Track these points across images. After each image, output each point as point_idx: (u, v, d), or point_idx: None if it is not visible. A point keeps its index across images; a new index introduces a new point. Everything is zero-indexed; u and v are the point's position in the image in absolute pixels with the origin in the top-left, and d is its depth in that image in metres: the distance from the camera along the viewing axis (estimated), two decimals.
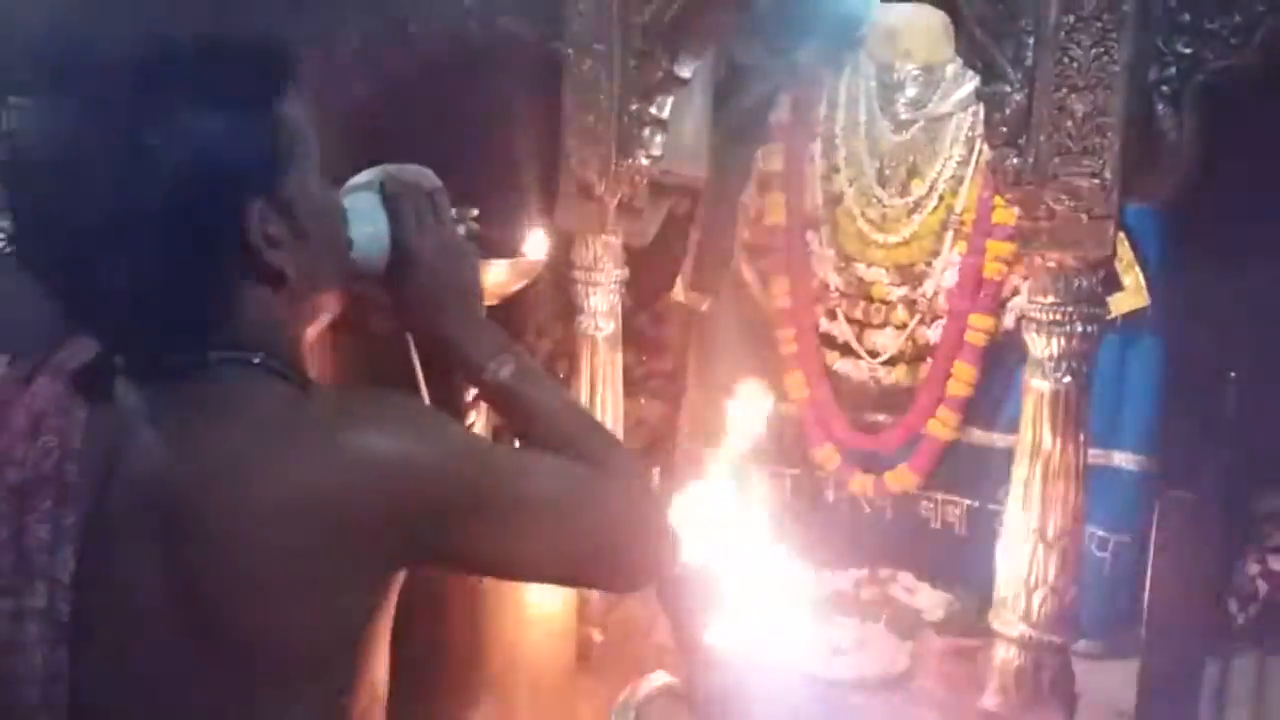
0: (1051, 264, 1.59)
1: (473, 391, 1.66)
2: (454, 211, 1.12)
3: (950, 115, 2.20)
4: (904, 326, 2.23)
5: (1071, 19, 1.55)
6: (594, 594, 1.93)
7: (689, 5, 1.86)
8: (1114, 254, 1.60)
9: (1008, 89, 1.60)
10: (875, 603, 2.19)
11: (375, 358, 1.10)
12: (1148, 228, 1.99)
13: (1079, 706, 1.72)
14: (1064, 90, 1.56)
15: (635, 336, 2.38)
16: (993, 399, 2.16)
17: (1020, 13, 1.58)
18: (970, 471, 2.21)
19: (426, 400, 1.17)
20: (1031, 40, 1.58)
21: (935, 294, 2.20)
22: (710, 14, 1.91)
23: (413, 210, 1.04)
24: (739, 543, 2.07)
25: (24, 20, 2.05)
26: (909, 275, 2.23)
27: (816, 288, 2.34)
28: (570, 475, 0.99)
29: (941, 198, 2.19)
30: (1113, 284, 1.72)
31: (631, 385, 2.18)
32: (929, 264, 2.21)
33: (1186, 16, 1.55)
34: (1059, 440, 1.61)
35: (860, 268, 2.27)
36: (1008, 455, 1.80)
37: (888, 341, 2.25)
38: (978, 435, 2.20)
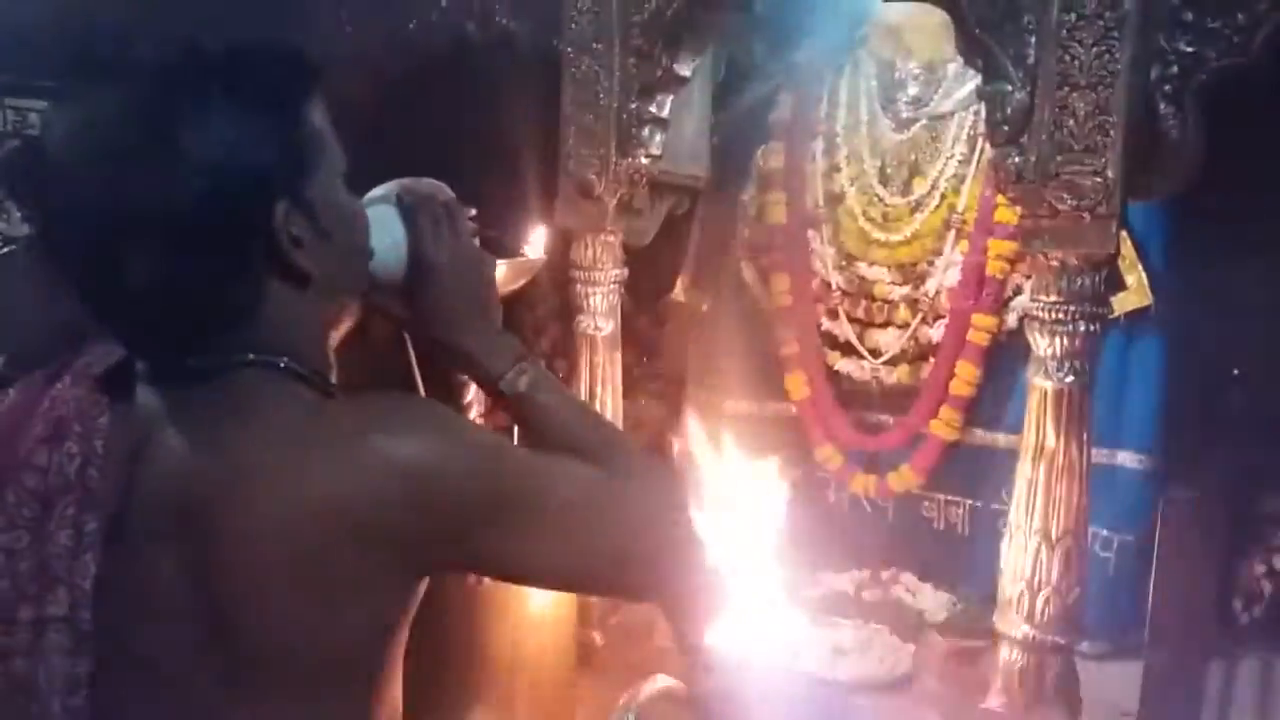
0: (1054, 263, 1.59)
1: (470, 394, 1.66)
2: None
3: (952, 114, 2.19)
4: (906, 326, 2.22)
5: (1073, 17, 1.54)
6: (594, 596, 1.93)
7: (688, 3, 1.85)
8: (1117, 253, 1.59)
9: (1009, 88, 1.59)
10: (877, 604, 2.18)
11: (374, 360, 1.10)
12: (1150, 226, 1.98)
13: (1081, 707, 1.71)
14: (1066, 89, 1.55)
15: (635, 336, 2.38)
16: (995, 399, 2.15)
17: (1021, 11, 1.57)
18: (973, 472, 2.20)
19: (423, 394, 1.17)
20: (1033, 39, 1.57)
21: (937, 293, 2.19)
22: (710, 12, 1.90)
23: (430, 222, 1.04)
24: (740, 544, 2.07)
25: (46, 21, 2.05)
26: (911, 274, 2.22)
27: (818, 287, 2.33)
28: (594, 481, 0.98)
29: (943, 196, 2.18)
30: (1115, 283, 1.71)
31: (631, 385, 2.18)
32: (931, 263, 2.20)
33: (1189, 15, 1.54)
34: (1062, 440, 1.60)
35: (862, 267, 2.26)
36: (1010, 455, 1.79)
37: (889, 341, 2.24)
38: (980, 435, 2.19)
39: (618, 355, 2.07)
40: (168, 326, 0.90)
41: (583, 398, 2.02)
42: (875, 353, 2.27)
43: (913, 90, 2.23)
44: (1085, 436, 1.62)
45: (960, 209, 2.17)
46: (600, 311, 2.02)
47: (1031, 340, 1.63)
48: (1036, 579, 1.63)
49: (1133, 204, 1.61)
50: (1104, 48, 1.53)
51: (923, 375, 2.22)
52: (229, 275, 0.89)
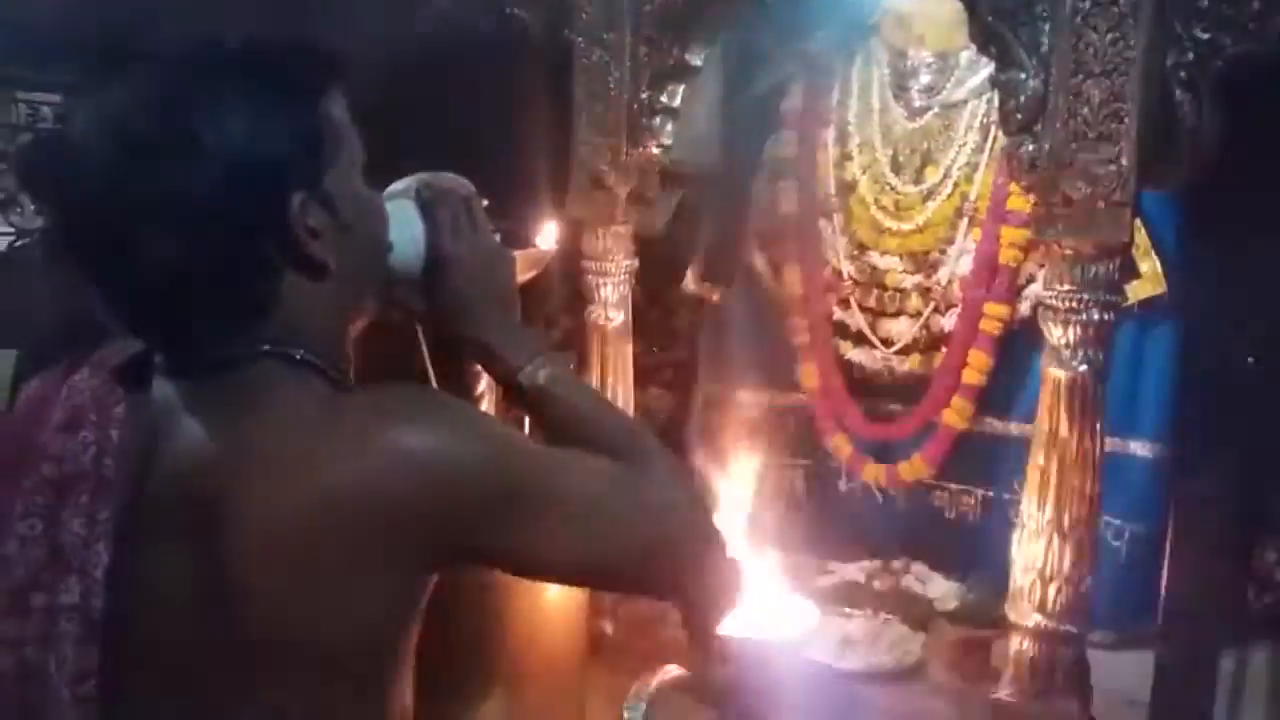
0: (1068, 251, 1.58)
1: (482, 386, 1.66)
2: None
3: (964, 102, 2.18)
4: (918, 315, 2.22)
5: (1088, 4, 1.52)
6: (612, 592, 1.92)
7: None
8: (1131, 241, 1.58)
9: (1023, 75, 1.58)
10: (888, 593, 2.18)
11: (386, 352, 1.10)
12: (1165, 214, 1.97)
13: (1092, 697, 1.71)
14: (1080, 76, 1.54)
15: (646, 327, 2.37)
16: (1008, 388, 2.14)
17: None
18: (984, 461, 2.19)
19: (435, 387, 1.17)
20: (1047, 26, 1.56)
21: (950, 282, 2.18)
22: (721, 1, 1.89)
23: (449, 216, 1.05)
24: (751, 533, 2.07)
25: (45, 17, 2.06)
26: (923, 263, 2.21)
27: (829, 276, 2.32)
28: (613, 476, 0.98)
29: (956, 185, 2.18)
30: (1129, 271, 1.70)
31: (642, 376, 2.18)
32: (943, 251, 2.19)
33: (1205, 2, 1.52)
34: (1075, 429, 1.60)
35: (874, 256, 2.26)
36: (1022, 444, 1.79)
37: (902, 330, 2.24)
38: (992, 424, 2.18)
39: (629, 346, 2.07)
40: (183, 318, 0.91)
41: (594, 389, 2.02)
42: (887, 342, 2.26)
43: (925, 79, 2.22)
44: (1098, 426, 1.61)
45: (973, 197, 2.16)
46: (611, 302, 2.02)
47: (1045, 329, 1.63)
48: (1048, 568, 1.63)
49: (1147, 192, 1.60)
50: (1119, 34, 1.52)
51: (935, 364, 2.21)
52: (245, 266, 0.90)
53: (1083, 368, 1.59)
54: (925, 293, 2.21)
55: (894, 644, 2.00)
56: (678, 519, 1.01)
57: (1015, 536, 1.69)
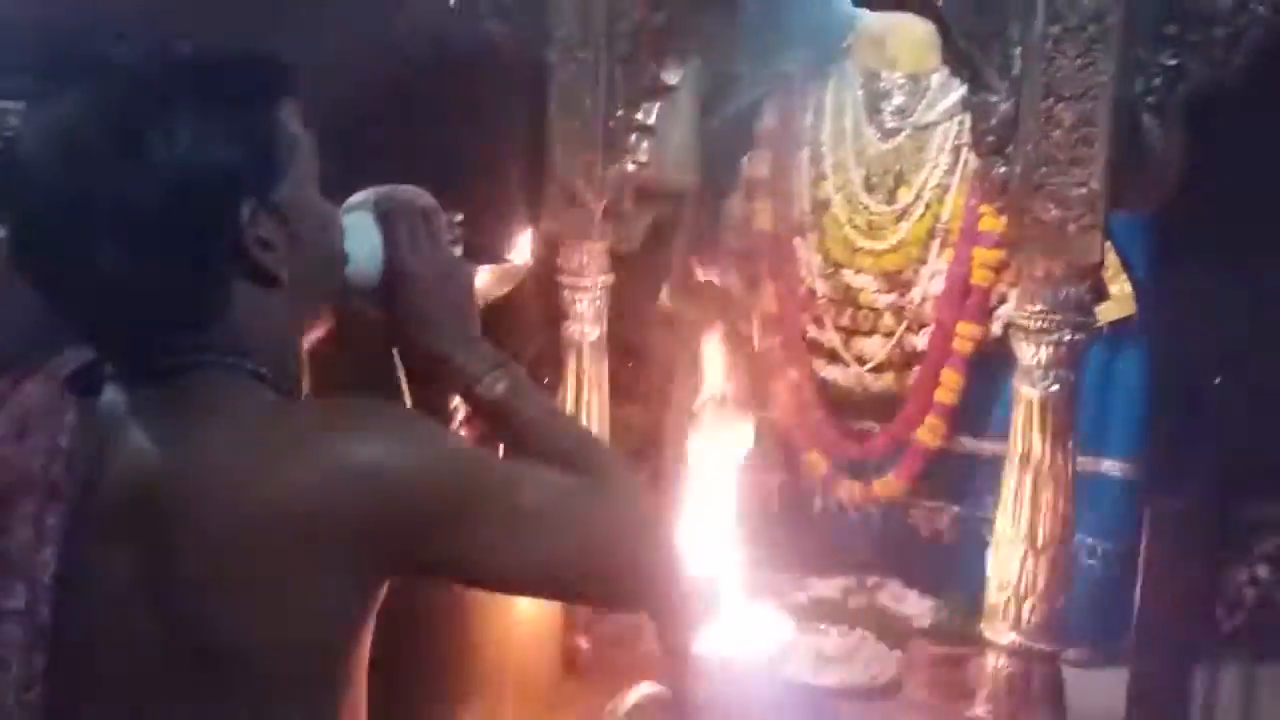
0: (1040, 272, 1.60)
1: (456, 404, 1.66)
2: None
3: (937, 124, 2.20)
4: (891, 334, 2.23)
5: (1058, 29, 1.55)
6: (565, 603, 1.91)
7: (675, 12, 1.86)
8: (1102, 263, 1.60)
9: (994, 98, 1.60)
10: (863, 610, 2.19)
11: (360, 370, 1.10)
12: (1134, 236, 1.99)
13: (1067, 715, 1.72)
14: (1051, 100, 1.56)
15: (621, 342, 2.37)
16: (980, 407, 2.16)
17: (1006, 22, 1.58)
18: (958, 479, 2.20)
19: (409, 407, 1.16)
20: (1018, 50, 1.58)
21: (923, 301, 2.20)
22: (697, 20, 1.90)
23: (407, 229, 1.05)
24: (726, 550, 2.07)
25: (12, 24, 2.04)
26: (896, 282, 2.22)
27: (803, 294, 2.33)
28: (564, 487, 0.97)
29: (928, 205, 2.19)
30: (1100, 293, 1.72)
31: (617, 391, 2.18)
32: (916, 271, 2.20)
33: (1172, 28, 1.55)
34: (1048, 448, 1.61)
35: (848, 274, 2.27)
36: (995, 463, 1.80)
37: (875, 348, 2.25)
38: (965, 442, 2.19)
39: (604, 361, 2.07)
40: (132, 325, 0.91)
41: (570, 403, 2.02)
42: (861, 360, 2.27)
43: (897, 100, 2.24)
44: (1070, 445, 1.63)
45: (945, 218, 2.18)
46: (587, 317, 2.02)
47: (1017, 349, 1.64)
48: (1022, 586, 1.64)
49: (1117, 214, 1.62)
50: (1088, 60, 1.54)
51: (908, 383, 2.22)
52: (194, 276, 0.89)
53: (1054, 387, 1.61)
54: (899, 311, 2.23)
55: (869, 661, 2.01)
56: (631, 532, 1.00)
57: (989, 554, 1.70)
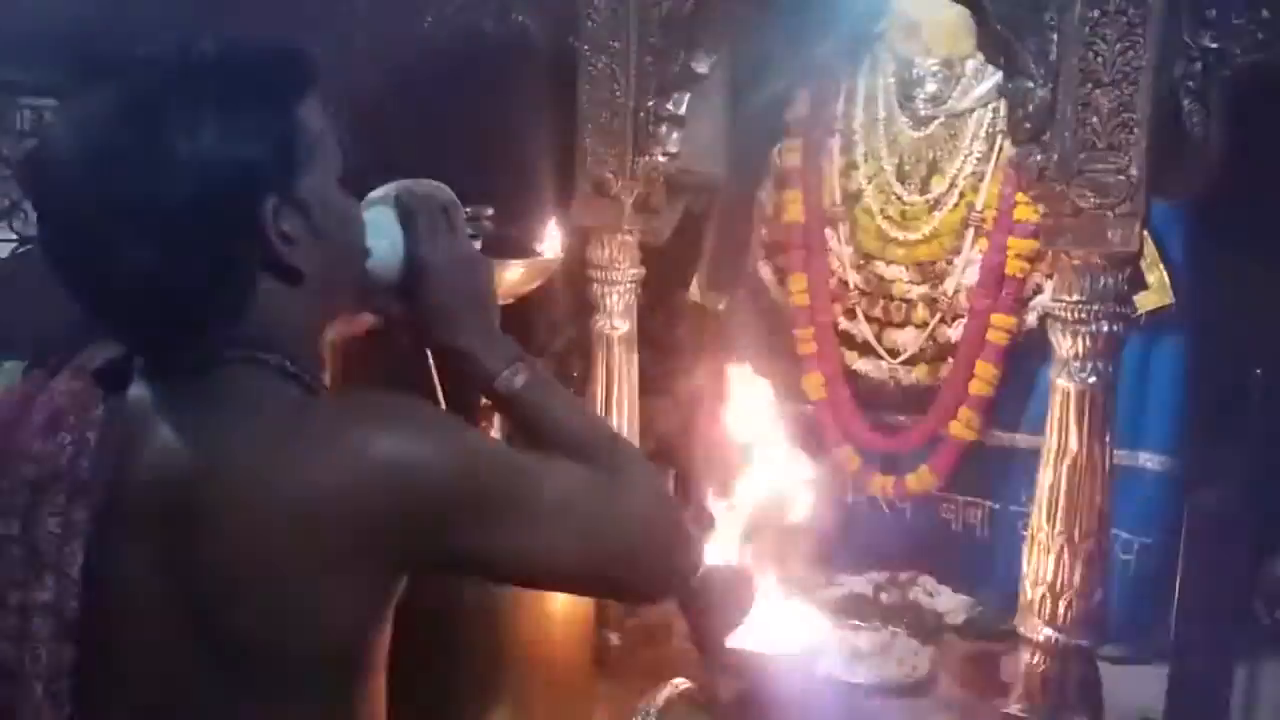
0: (1077, 262, 1.57)
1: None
2: (468, 210, 1.13)
3: (971, 111, 2.18)
4: (924, 325, 2.21)
5: (1096, 13, 1.52)
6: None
7: (706, 0, 1.84)
8: (1140, 252, 1.57)
9: (1031, 85, 1.58)
10: (895, 606, 2.16)
11: (395, 368, 1.10)
12: (1172, 225, 1.96)
13: (1104, 711, 1.69)
14: (1089, 86, 1.53)
15: (650, 336, 2.36)
16: (1015, 399, 2.14)
17: (1044, 7, 1.55)
18: (992, 473, 2.18)
19: (443, 405, 1.16)
20: (1055, 35, 1.55)
21: (956, 292, 2.17)
22: (727, 8, 1.89)
23: (427, 224, 1.05)
24: (758, 545, 2.06)
25: (47, 22, 2.05)
26: (929, 273, 2.20)
27: (835, 286, 2.31)
28: (584, 480, 0.98)
29: (962, 194, 2.17)
30: (1137, 282, 1.69)
31: (646, 385, 2.17)
32: (950, 262, 2.18)
33: (1213, 11, 1.52)
34: (1085, 441, 1.59)
35: (880, 265, 2.25)
36: (1030, 456, 1.78)
37: (908, 340, 2.23)
38: (999, 436, 2.17)
39: (634, 355, 2.06)
40: (158, 322, 0.91)
41: (599, 397, 2.01)
42: (893, 352, 2.25)
43: (931, 87, 2.22)
44: (1108, 438, 1.60)
45: (979, 207, 2.16)
46: (617, 311, 2.01)
47: (1054, 340, 1.62)
48: (1059, 582, 1.62)
49: (1155, 202, 1.59)
50: (1128, 44, 1.51)
51: (941, 375, 2.21)
52: (218, 271, 0.90)
53: (1092, 379, 1.58)
54: (932, 303, 2.21)
55: (902, 657, 1.99)
56: (650, 525, 1.01)
57: (1025, 549, 1.68)
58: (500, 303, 1.14)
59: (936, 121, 2.21)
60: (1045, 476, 1.63)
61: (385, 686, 0.98)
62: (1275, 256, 1.87)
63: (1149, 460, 2.05)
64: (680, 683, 1.49)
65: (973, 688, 1.93)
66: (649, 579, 1.04)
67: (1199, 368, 2.03)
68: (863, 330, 2.28)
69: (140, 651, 0.90)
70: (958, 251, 2.18)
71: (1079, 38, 1.53)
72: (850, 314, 2.30)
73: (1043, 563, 1.63)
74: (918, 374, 2.23)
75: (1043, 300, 2.04)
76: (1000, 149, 2.12)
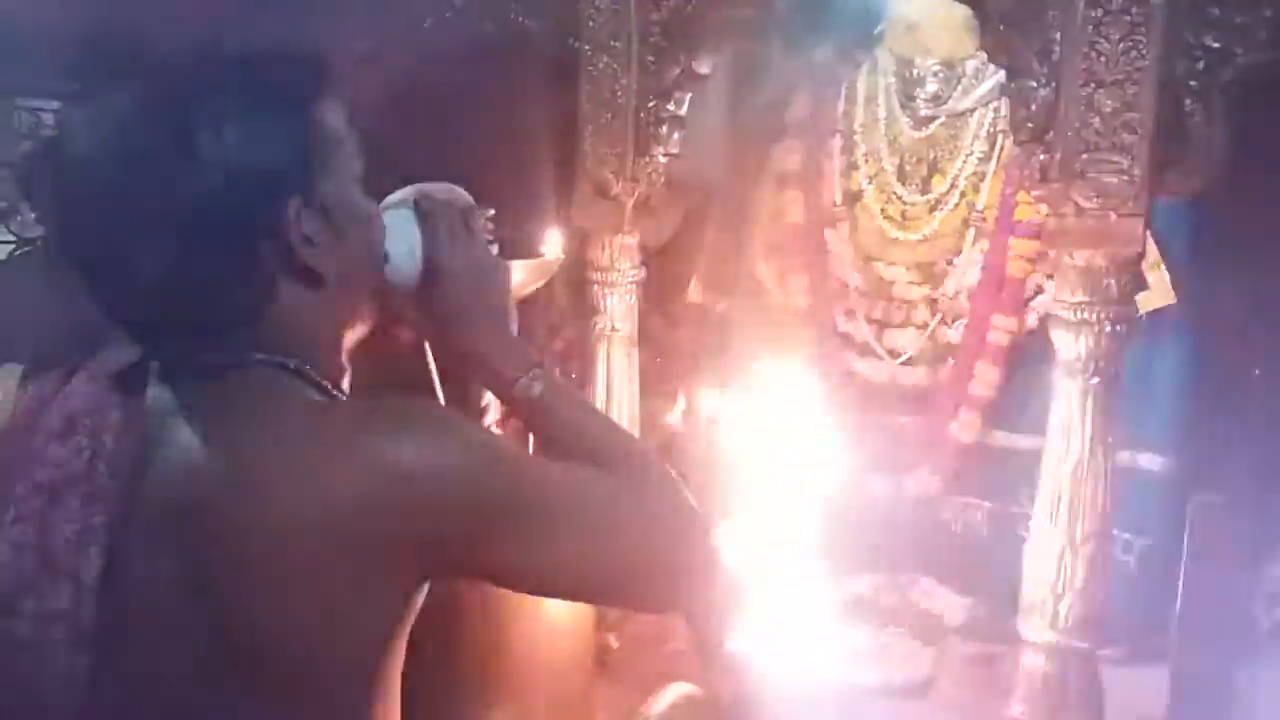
0: (1080, 262, 1.57)
1: (488, 398, 1.65)
2: None
3: (971, 111, 2.17)
4: (925, 326, 2.21)
5: (1099, 13, 1.52)
6: (605, 606, 1.90)
7: (707, 1, 1.84)
8: (1144, 252, 1.57)
9: (1034, 85, 1.58)
10: (895, 608, 2.16)
11: (393, 366, 1.09)
12: (1173, 225, 1.96)
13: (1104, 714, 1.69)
14: (1092, 86, 1.53)
15: (649, 337, 2.36)
16: (1015, 400, 2.13)
17: (1046, 7, 1.55)
18: (992, 474, 2.17)
19: (441, 403, 1.16)
20: (1058, 35, 1.55)
21: (957, 293, 2.17)
22: (728, 9, 1.88)
23: (446, 227, 1.04)
24: (758, 546, 2.05)
25: (45, 22, 2.04)
26: (930, 274, 2.20)
27: (835, 287, 2.31)
28: (604, 488, 0.96)
29: (963, 195, 2.17)
30: (1138, 283, 1.69)
31: (645, 386, 2.16)
32: (950, 262, 2.18)
33: (1215, 11, 1.52)
34: (1088, 442, 1.59)
35: (880, 266, 2.25)
36: (1030, 457, 1.77)
37: (908, 341, 2.22)
38: (1000, 437, 2.17)
39: (634, 356, 2.05)
40: (179, 324, 0.91)
41: (599, 399, 2.01)
42: (893, 353, 2.25)
43: (931, 87, 2.21)
44: (1111, 439, 1.60)
45: (980, 207, 2.16)
46: (617, 312, 2.01)
47: (1056, 341, 1.61)
48: (1061, 583, 1.62)
49: (1157, 202, 1.59)
50: (1130, 43, 1.51)
51: (941, 376, 2.20)
52: (240, 273, 0.89)
53: (1095, 380, 1.58)
54: (932, 304, 2.20)
55: (901, 659, 1.99)
56: (673, 533, 0.99)
57: (1027, 551, 1.68)
58: None
59: (937, 122, 2.21)
60: (1047, 477, 1.63)
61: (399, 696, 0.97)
62: (1276, 256, 1.86)
63: (1148, 461, 2.04)
64: (682, 686, 1.48)
65: (972, 689, 1.93)
66: (672, 590, 1.03)
67: (1199, 368, 2.02)
68: (863, 331, 2.27)
69: (157, 657, 0.88)
70: (958, 252, 2.17)
71: (1082, 37, 1.53)
72: (850, 315, 2.29)
73: (1045, 564, 1.63)
74: (918, 375, 2.23)
75: (1044, 301, 2.04)
76: (1001, 149, 2.12)
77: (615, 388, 2.02)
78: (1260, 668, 1.85)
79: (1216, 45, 1.53)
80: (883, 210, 2.24)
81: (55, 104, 2.34)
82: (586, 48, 1.91)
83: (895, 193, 2.23)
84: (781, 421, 2.03)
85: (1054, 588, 1.62)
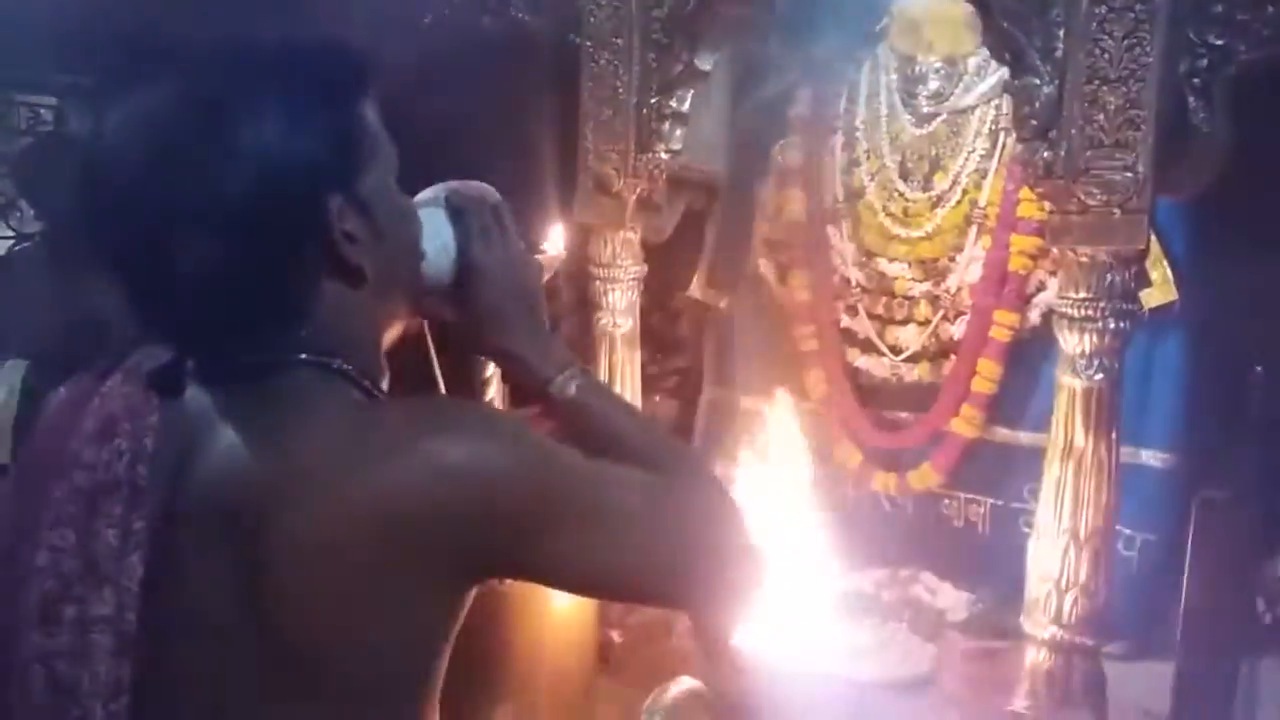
0: (1083, 259, 1.57)
1: (491, 391, 1.65)
2: None
3: (973, 108, 2.17)
4: (926, 322, 2.21)
5: (1103, 10, 1.52)
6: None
7: None
8: (1147, 248, 1.57)
9: (1037, 82, 1.57)
10: (897, 603, 2.16)
11: (394, 351, 1.09)
12: (1175, 221, 1.96)
13: (1107, 709, 1.69)
14: (1095, 83, 1.53)
15: (651, 333, 2.36)
16: (1017, 396, 2.13)
17: (1050, 4, 1.55)
18: (994, 470, 2.18)
19: (442, 390, 1.15)
20: (1062, 32, 1.55)
21: (959, 289, 2.17)
22: (730, 6, 1.88)
23: (479, 225, 1.03)
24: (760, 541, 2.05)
25: (45, 19, 2.04)
26: (932, 270, 2.20)
27: (837, 283, 2.31)
28: (649, 487, 0.95)
29: (965, 191, 2.17)
30: (1141, 279, 1.69)
31: (647, 383, 2.16)
32: (952, 259, 2.18)
33: (1219, 8, 1.52)
34: (1091, 438, 1.59)
35: (882, 263, 2.25)
36: (1032, 453, 1.77)
37: (910, 338, 2.23)
38: (1002, 433, 2.17)
39: (636, 353, 2.06)
40: (220, 323, 0.89)
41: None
42: (895, 350, 2.25)
43: (933, 84, 2.21)
44: (1114, 435, 1.60)
45: (982, 204, 2.15)
46: (619, 309, 2.01)
47: (1060, 338, 1.61)
48: (1064, 579, 1.62)
49: (1160, 198, 1.59)
50: (1134, 40, 1.51)
51: (944, 372, 2.20)
52: (283, 271, 0.88)
53: (1098, 376, 1.58)
54: (934, 300, 2.20)
55: (903, 654, 1.98)
56: (716, 532, 0.98)
57: (1030, 547, 1.68)
58: None
59: (939, 118, 2.21)
60: (1051, 473, 1.63)
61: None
62: (1276, 253, 1.86)
63: (1151, 456, 2.04)
64: (686, 681, 1.49)
65: (974, 685, 1.92)
66: (715, 587, 1.01)
67: (1201, 365, 2.02)
68: (865, 327, 2.27)
69: (202, 661, 0.87)
70: (960, 249, 2.17)
71: (1085, 34, 1.53)
72: (852, 311, 2.29)
73: (1048, 560, 1.63)
74: (920, 371, 2.23)
75: (1045, 297, 2.04)
76: (1003, 146, 2.11)
77: (617, 385, 2.02)
78: (1263, 663, 1.86)
79: (1220, 42, 1.53)
80: (884, 207, 2.24)
81: (53, 100, 2.34)
82: (588, 44, 1.91)
83: (897, 189, 2.23)
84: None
85: (1057, 583, 1.62)
